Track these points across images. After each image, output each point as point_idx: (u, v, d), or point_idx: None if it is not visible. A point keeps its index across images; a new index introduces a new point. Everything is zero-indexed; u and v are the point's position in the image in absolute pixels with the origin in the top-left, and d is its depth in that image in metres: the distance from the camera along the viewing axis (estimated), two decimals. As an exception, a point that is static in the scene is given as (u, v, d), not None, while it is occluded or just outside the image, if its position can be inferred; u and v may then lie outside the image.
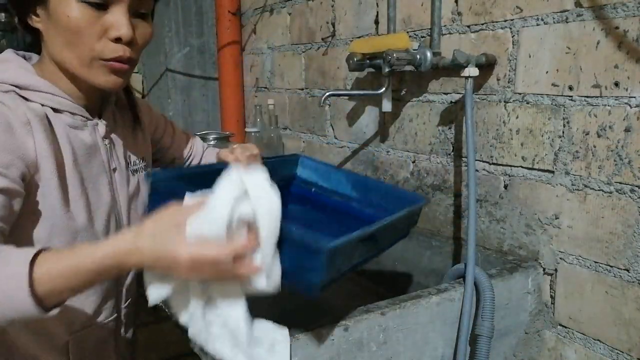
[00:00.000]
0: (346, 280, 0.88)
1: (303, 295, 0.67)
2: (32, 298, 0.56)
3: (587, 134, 0.92)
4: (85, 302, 0.80)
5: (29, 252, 0.58)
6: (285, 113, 1.77)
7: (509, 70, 1.03)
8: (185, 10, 2.19)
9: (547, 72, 0.97)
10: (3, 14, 2.20)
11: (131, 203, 0.86)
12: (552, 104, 0.97)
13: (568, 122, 0.95)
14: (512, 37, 1.02)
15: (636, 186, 0.86)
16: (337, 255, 0.66)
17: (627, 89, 0.85)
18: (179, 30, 2.24)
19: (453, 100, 1.16)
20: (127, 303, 0.89)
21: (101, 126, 0.81)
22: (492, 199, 1.11)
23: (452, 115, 1.17)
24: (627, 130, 0.86)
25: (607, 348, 0.93)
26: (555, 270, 1.00)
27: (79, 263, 0.58)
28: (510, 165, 1.06)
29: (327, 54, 1.54)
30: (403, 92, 1.29)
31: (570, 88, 0.93)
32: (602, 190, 0.91)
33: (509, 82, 1.04)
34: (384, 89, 1.25)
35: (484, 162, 1.11)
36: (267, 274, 0.61)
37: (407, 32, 1.24)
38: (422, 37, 1.21)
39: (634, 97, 0.85)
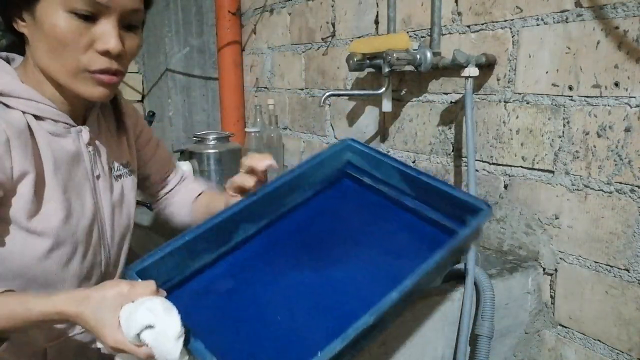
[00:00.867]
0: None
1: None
2: None
3: (587, 134, 0.92)
4: None
5: None
6: (285, 113, 1.77)
7: (509, 70, 1.03)
8: (185, 10, 2.18)
9: (547, 72, 0.97)
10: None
11: (115, 210, 0.84)
12: (552, 104, 0.97)
13: (568, 122, 0.95)
14: (512, 37, 1.02)
15: (636, 186, 0.86)
16: None
17: (627, 89, 0.85)
18: (179, 30, 2.24)
19: (453, 100, 1.16)
20: None
21: (85, 133, 0.79)
22: (492, 199, 1.11)
23: (452, 115, 1.17)
24: (627, 130, 0.86)
25: (607, 348, 0.93)
26: (555, 270, 1.00)
27: (23, 312, 0.64)
28: (510, 165, 1.06)
29: (327, 54, 1.54)
30: (403, 92, 1.29)
31: (570, 88, 0.93)
32: (602, 191, 0.91)
33: (509, 82, 1.04)
34: (384, 89, 1.25)
35: (484, 162, 1.11)
36: None
37: (407, 32, 1.24)
38: (422, 37, 1.21)
39: (634, 97, 0.85)
